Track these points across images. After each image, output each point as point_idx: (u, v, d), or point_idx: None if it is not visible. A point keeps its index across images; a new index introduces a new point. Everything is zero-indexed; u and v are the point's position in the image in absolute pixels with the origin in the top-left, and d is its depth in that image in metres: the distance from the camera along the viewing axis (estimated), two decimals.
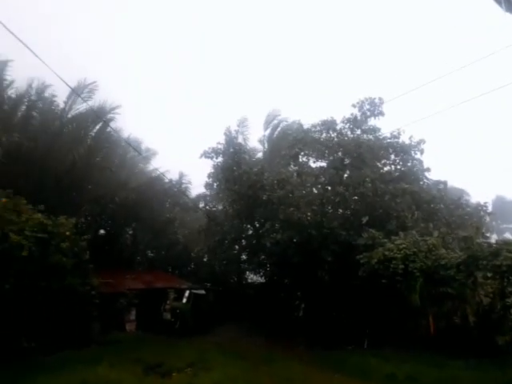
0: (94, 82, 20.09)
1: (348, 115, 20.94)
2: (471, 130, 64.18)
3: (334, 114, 26.38)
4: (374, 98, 20.36)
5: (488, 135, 60.97)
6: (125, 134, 23.04)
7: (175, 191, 24.78)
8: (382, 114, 20.57)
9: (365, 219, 17.83)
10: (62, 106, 20.44)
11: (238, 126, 22.83)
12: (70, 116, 20.73)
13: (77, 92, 19.05)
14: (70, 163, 18.95)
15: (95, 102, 20.40)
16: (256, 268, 24.43)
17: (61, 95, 20.37)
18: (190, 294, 20.23)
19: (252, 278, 26.41)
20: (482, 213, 19.01)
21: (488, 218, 21.11)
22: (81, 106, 20.61)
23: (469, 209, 19.45)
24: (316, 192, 19.89)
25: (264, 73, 79.04)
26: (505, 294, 12.69)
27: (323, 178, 20.19)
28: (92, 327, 16.28)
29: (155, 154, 25.34)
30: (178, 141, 56.24)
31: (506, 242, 13.40)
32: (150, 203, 23.32)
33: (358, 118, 20.73)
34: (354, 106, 20.68)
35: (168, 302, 20.14)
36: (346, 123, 20.99)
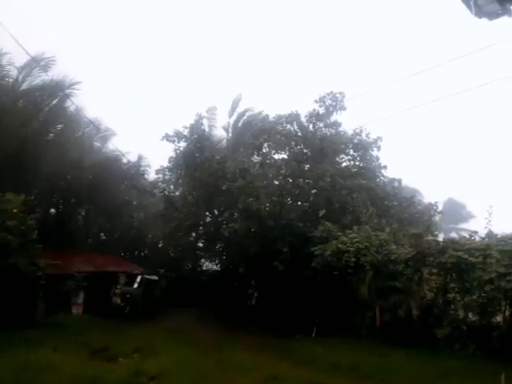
0: (52, 56, 19.15)
1: (311, 109, 21.06)
2: (429, 133, 66.74)
3: (298, 106, 26.50)
4: (336, 93, 20.50)
5: (444, 138, 63.54)
6: (84, 111, 22.17)
7: (133, 173, 24.04)
8: (343, 108, 20.73)
9: (322, 212, 18.23)
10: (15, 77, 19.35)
11: (207, 112, 22.48)
12: (23, 88, 19.65)
13: (36, 61, 18.03)
14: (22, 138, 17.97)
15: (53, 76, 19.50)
16: (212, 256, 24.35)
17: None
18: (141, 279, 19.83)
19: (207, 265, 26.31)
20: (432, 212, 19.90)
21: (438, 218, 22.13)
22: (36, 79, 19.64)
23: (420, 207, 20.31)
24: (277, 183, 20.02)
25: (232, 61, 78.17)
26: (447, 289, 13.38)
27: (284, 170, 20.35)
28: (37, 309, 15.66)
29: (114, 134, 24.53)
30: (141, 122, 54.52)
31: (453, 241, 14.11)
32: (106, 184, 22.57)
33: (321, 112, 20.85)
34: (316, 101, 20.74)
35: (118, 286, 19.65)
36: (309, 117, 21.13)
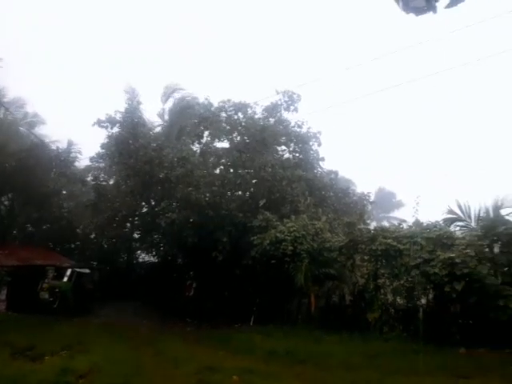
0: None
1: (263, 102, 20.81)
2: (361, 126, 69.90)
3: (246, 97, 26.20)
4: (294, 93, 20.43)
5: (374, 131, 66.82)
6: (6, 92, 20.30)
7: (62, 161, 22.45)
8: (296, 110, 20.72)
9: (262, 202, 18.31)
10: None
11: (125, 92, 21.27)
12: None
13: None
14: None
15: None
16: (149, 247, 23.58)
17: None
18: (72, 272, 18.72)
19: (144, 257, 25.49)
20: (365, 202, 20.82)
21: (370, 207, 23.23)
22: None
23: (355, 197, 21.15)
24: (217, 173, 19.77)
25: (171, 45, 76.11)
26: (377, 275, 14.09)
27: (225, 159, 20.12)
28: None
29: (42, 119, 22.81)
30: (74, 108, 51.40)
31: (383, 229, 14.82)
32: (32, 172, 20.86)
33: (273, 107, 20.71)
34: (277, 92, 20.44)
35: (46, 280, 18.39)
36: (255, 108, 20.89)
